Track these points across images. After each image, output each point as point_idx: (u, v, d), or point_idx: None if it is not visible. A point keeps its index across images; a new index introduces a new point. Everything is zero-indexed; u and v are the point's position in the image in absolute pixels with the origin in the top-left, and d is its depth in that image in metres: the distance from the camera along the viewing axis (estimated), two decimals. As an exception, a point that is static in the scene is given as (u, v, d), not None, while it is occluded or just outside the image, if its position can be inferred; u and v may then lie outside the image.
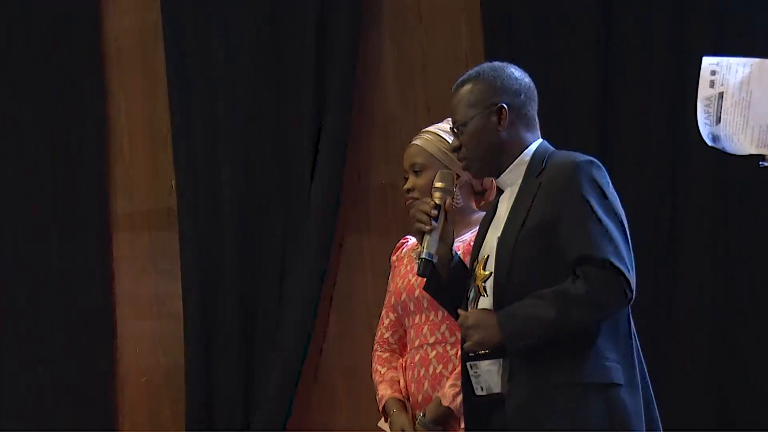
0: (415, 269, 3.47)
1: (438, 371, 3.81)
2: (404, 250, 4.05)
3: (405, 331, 3.95)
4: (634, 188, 4.93)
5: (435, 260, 3.36)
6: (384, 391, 3.92)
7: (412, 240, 4.05)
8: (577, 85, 5.17)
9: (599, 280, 3.15)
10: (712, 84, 3.19)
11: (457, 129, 3.41)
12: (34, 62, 6.14)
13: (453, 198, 3.46)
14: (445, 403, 3.74)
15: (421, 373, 3.84)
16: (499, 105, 3.37)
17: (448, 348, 3.80)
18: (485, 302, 3.30)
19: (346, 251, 5.67)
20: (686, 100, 4.85)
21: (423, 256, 3.36)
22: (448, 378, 3.77)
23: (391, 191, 5.55)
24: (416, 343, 3.87)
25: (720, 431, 4.80)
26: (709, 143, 3.21)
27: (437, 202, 3.41)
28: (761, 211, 4.87)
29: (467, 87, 3.41)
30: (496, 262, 3.28)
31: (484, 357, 3.25)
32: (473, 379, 3.31)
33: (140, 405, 5.96)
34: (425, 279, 3.48)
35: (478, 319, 3.23)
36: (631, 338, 3.28)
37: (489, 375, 3.28)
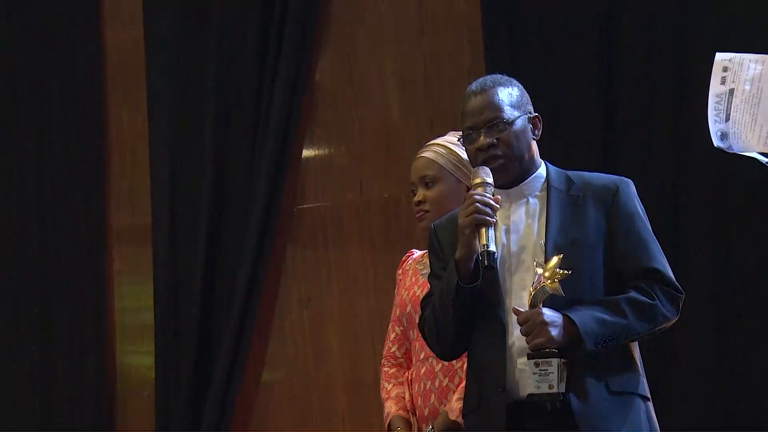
0: (482, 262, 3.26)
1: (444, 384, 3.79)
2: (409, 263, 4.01)
3: (411, 344, 3.92)
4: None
5: (498, 254, 3.29)
6: (390, 408, 3.89)
7: (416, 253, 4.02)
8: (579, 97, 5.17)
9: (667, 296, 3.30)
10: (723, 80, 3.18)
11: (498, 125, 3.34)
12: (34, 74, 6.15)
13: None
14: (453, 416, 3.71)
15: (428, 387, 3.81)
16: (536, 114, 3.42)
17: (454, 360, 3.75)
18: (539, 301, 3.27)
19: (349, 265, 5.66)
20: (689, 105, 4.87)
21: (490, 248, 3.24)
22: (454, 391, 3.75)
23: (393, 205, 5.53)
24: (422, 356, 3.83)
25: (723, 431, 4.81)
26: (716, 142, 3.21)
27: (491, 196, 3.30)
28: (763, 213, 4.88)
29: (506, 88, 3.39)
30: (568, 264, 3.24)
31: (549, 355, 3.22)
32: (536, 377, 3.24)
33: (138, 418, 5.97)
34: (474, 275, 3.30)
35: (553, 317, 3.22)
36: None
37: (553, 375, 3.24)
